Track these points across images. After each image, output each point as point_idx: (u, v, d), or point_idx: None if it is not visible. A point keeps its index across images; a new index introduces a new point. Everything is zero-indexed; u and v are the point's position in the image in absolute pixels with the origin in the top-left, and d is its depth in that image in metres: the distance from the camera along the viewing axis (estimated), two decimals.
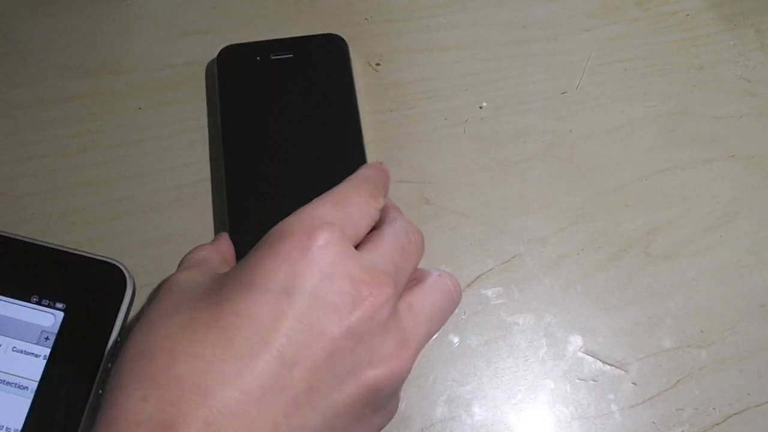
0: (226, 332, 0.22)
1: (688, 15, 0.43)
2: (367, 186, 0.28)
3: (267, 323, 0.22)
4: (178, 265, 0.29)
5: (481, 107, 0.40)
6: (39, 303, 0.33)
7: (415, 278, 0.28)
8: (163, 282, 0.27)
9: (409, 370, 0.25)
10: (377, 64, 0.41)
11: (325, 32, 0.39)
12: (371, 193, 0.28)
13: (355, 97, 0.37)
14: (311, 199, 0.26)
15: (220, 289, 0.23)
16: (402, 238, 0.27)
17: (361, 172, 0.30)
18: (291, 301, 0.22)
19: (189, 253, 0.30)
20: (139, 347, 0.23)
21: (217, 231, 0.36)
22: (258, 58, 0.37)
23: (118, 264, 0.34)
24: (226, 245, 0.31)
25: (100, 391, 0.32)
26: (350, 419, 0.23)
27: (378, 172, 0.31)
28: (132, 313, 0.34)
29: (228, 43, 0.38)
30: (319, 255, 0.23)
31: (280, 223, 0.25)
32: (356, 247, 0.26)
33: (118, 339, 0.33)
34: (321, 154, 0.35)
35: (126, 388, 0.22)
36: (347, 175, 0.32)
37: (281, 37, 0.39)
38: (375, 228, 0.28)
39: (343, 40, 0.39)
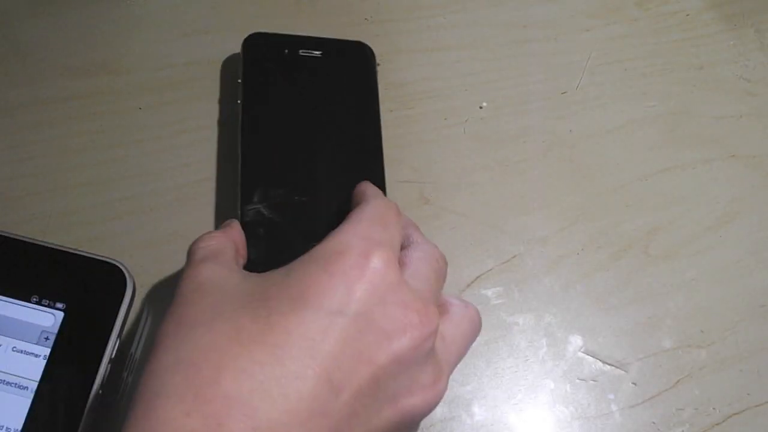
0: (275, 350, 0.21)
1: (688, 15, 0.43)
2: (393, 203, 0.28)
3: (318, 344, 0.21)
4: (188, 254, 0.27)
5: (481, 107, 0.40)
6: (39, 303, 0.33)
7: (440, 304, 0.28)
8: (184, 276, 0.26)
9: (441, 399, 0.25)
10: (377, 64, 0.41)
11: (354, 39, 0.39)
12: (397, 210, 0.28)
13: (378, 108, 0.37)
14: (325, 198, 0.26)
15: (265, 300, 0.22)
16: (435, 264, 0.27)
17: (377, 189, 0.30)
18: (343, 322, 0.22)
19: (199, 241, 0.28)
20: (179, 355, 0.22)
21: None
22: (286, 51, 0.37)
23: (118, 264, 0.34)
24: (237, 234, 0.30)
25: (101, 391, 0.32)
26: None
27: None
28: (132, 313, 0.34)
29: (228, 43, 0.38)
30: (375, 277, 0.23)
31: (331, 239, 0.24)
32: None
33: (119, 339, 0.33)
34: (339, 155, 0.35)
35: (167, 399, 0.20)
36: (360, 180, 0.32)
37: None
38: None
39: (371, 50, 0.38)
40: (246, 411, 0.20)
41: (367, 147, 0.36)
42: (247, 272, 0.26)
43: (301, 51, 0.37)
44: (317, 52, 0.37)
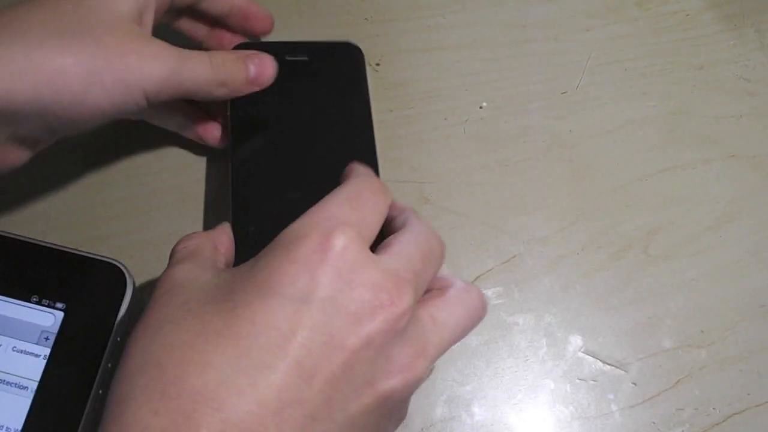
0: (241, 341, 0.21)
1: (688, 15, 0.43)
2: (376, 182, 0.27)
3: (284, 333, 0.21)
4: (170, 257, 0.27)
5: (481, 107, 0.40)
6: (39, 303, 0.33)
7: (439, 286, 0.27)
8: (160, 278, 0.25)
9: (422, 380, 0.24)
10: (377, 64, 0.41)
11: (342, 40, 0.38)
12: (381, 189, 0.27)
13: (369, 106, 0.36)
14: (318, 199, 0.25)
15: (231, 292, 0.22)
16: (424, 245, 0.26)
17: (365, 169, 0.29)
18: (310, 309, 0.21)
19: (179, 242, 0.27)
20: (145, 356, 0.21)
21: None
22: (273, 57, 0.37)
23: (118, 264, 0.34)
24: (220, 234, 0.29)
25: (101, 391, 0.32)
26: (365, 428, 0.23)
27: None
28: (132, 314, 0.34)
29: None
30: (337, 260, 0.22)
31: (295, 223, 0.24)
32: (375, 249, 0.25)
33: (118, 339, 0.33)
34: (330, 156, 0.35)
35: (133, 401, 0.20)
36: None
37: (282, 37, 0.39)
38: (391, 228, 0.27)
39: (359, 49, 0.38)
40: (214, 404, 0.20)
41: (359, 147, 0.35)
42: (221, 269, 0.26)
43: (287, 56, 0.37)
44: (304, 57, 0.37)
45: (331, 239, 0.22)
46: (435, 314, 0.25)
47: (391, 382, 0.23)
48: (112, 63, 0.27)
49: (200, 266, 0.25)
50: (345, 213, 0.24)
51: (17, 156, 0.30)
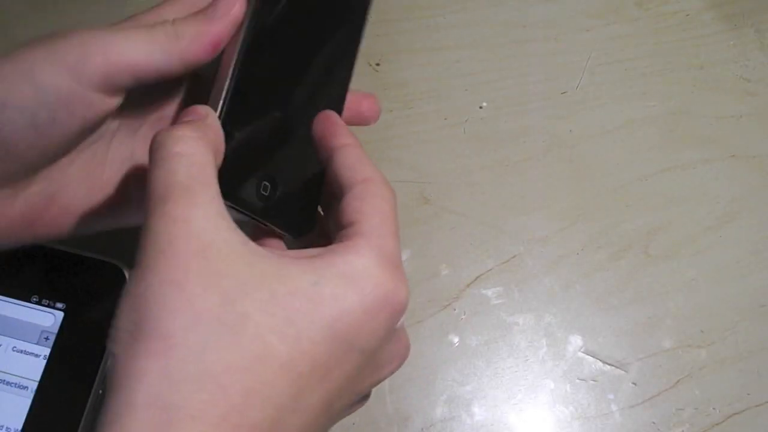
0: (300, 380, 0.20)
1: (688, 15, 0.43)
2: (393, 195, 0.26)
3: (329, 374, 0.21)
4: (156, 156, 0.22)
5: (481, 107, 0.40)
6: (39, 303, 0.33)
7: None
8: (159, 213, 0.20)
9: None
10: (377, 64, 0.41)
11: None
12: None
13: (363, 24, 0.33)
14: (300, 112, 0.25)
15: (293, 313, 0.20)
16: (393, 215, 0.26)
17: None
18: (359, 360, 0.22)
19: (171, 140, 0.22)
20: (194, 365, 0.19)
21: None
22: None
23: (118, 264, 0.34)
24: (214, 134, 0.24)
25: (101, 391, 0.32)
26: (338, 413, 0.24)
27: None
28: None
29: None
30: (397, 319, 0.23)
31: (362, 257, 0.22)
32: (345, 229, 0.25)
33: None
34: (316, 70, 0.31)
35: (190, 420, 0.18)
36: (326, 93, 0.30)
37: None
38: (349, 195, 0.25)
39: None
40: None
41: (340, 63, 0.32)
42: (246, 239, 0.21)
43: None
44: None
45: (399, 300, 0.22)
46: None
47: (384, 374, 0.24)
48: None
49: (221, 215, 0.21)
50: (399, 262, 0.23)
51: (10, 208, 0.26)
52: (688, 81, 0.41)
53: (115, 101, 0.25)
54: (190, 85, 0.30)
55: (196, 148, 0.22)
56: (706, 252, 0.37)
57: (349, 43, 0.34)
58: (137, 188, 0.28)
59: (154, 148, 0.22)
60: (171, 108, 0.30)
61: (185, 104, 0.30)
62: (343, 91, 0.32)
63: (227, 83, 0.26)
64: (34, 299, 0.33)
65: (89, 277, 0.33)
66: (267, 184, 0.28)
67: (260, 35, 0.27)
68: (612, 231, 0.38)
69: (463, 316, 0.36)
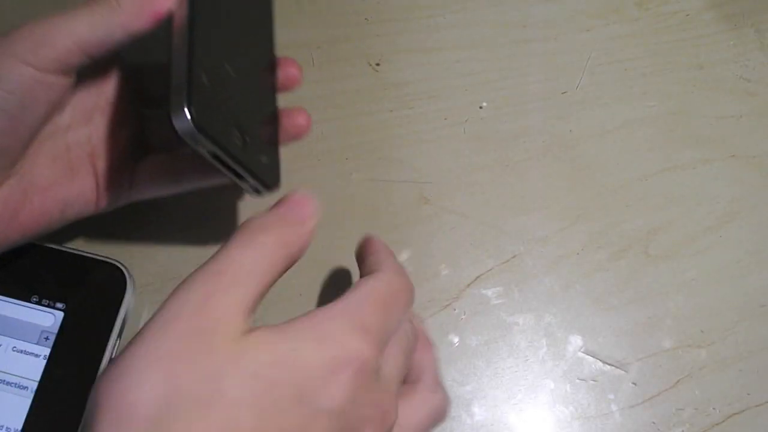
0: None
1: (688, 15, 0.43)
2: (407, 281, 0.27)
3: None
4: (238, 234, 0.23)
5: (481, 107, 0.40)
6: (39, 303, 0.33)
7: (411, 379, 0.28)
8: (190, 290, 0.21)
9: None
10: (377, 64, 0.41)
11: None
12: (408, 300, 0.27)
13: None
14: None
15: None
16: (406, 345, 0.26)
17: (398, 266, 0.28)
18: (327, 422, 0.22)
19: (257, 245, 0.23)
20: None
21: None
22: None
23: (118, 264, 0.34)
24: (301, 240, 0.24)
25: None
26: None
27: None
28: (132, 313, 0.34)
29: None
30: (367, 382, 0.23)
31: (329, 310, 0.23)
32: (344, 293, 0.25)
33: (119, 339, 0.33)
34: (249, 20, 0.34)
35: None
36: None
37: (282, 36, 0.39)
38: (366, 268, 0.28)
39: None
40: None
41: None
42: (248, 328, 0.22)
43: None
44: None
45: (366, 360, 0.23)
46: (399, 421, 0.25)
47: None
48: None
49: (246, 303, 0.22)
50: (375, 322, 0.24)
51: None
52: (688, 81, 0.41)
53: (71, 79, 0.28)
54: (128, 70, 0.33)
55: (276, 250, 0.23)
56: (706, 252, 0.37)
57: (264, 12, 0.35)
58: (101, 168, 0.31)
59: (244, 229, 0.23)
60: (116, 93, 0.32)
61: (125, 86, 0.32)
62: (272, 42, 0.35)
63: (193, 43, 0.27)
64: (34, 299, 0.33)
65: (89, 277, 0.33)
66: (238, 133, 0.29)
67: (198, 3, 0.28)
68: (612, 231, 0.38)
69: (463, 316, 0.36)
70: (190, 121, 0.24)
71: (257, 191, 0.31)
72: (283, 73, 0.34)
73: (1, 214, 0.27)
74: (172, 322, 0.21)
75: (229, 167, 0.28)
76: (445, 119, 0.40)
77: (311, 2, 0.42)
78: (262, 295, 0.23)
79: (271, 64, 0.35)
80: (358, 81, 0.40)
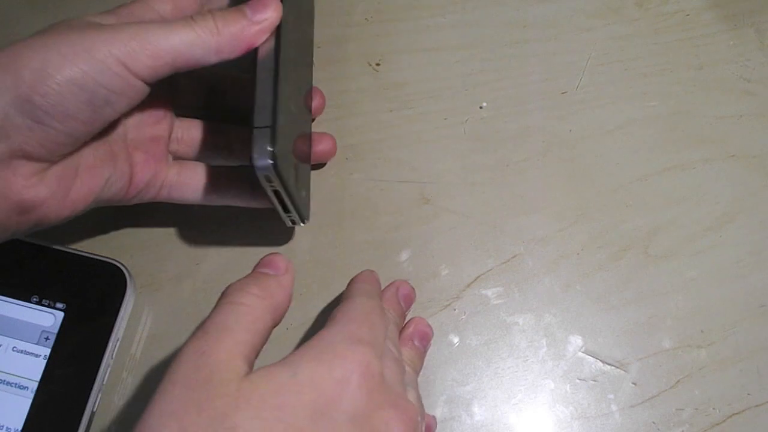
0: None
1: (688, 15, 0.43)
2: (377, 303, 0.29)
3: None
4: (220, 302, 0.25)
5: (481, 107, 0.40)
6: (39, 303, 0.33)
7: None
8: (189, 350, 0.23)
9: None
10: (377, 64, 0.41)
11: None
12: (382, 310, 0.29)
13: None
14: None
15: (281, 408, 0.22)
16: (393, 356, 0.28)
17: (367, 289, 0.31)
18: (349, 428, 0.23)
19: (233, 303, 0.25)
20: None
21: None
22: None
23: (118, 264, 0.34)
24: (283, 290, 0.27)
25: (101, 391, 0.32)
26: None
27: (375, 286, 0.32)
28: (132, 313, 0.34)
29: None
30: (374, 383, 0.25)
31: (326, 340, 0.25)
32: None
33: (118, 339, 0.33)
34: (302, 62, 0.35)
35: None
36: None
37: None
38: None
39: None
40: None
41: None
42: (248, 370, 0.24)
43: None
44: None
45: (369, 364, 0.25)
46: None
47: None
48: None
49: (241, 349, 0.24)
50: (365, 333, 0.26)
51: (31, 184, 0.28)
52: (688, 81, 0.41)
53: (150, 88, 0.29)
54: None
55: (257, 305, 0.25)
56: (706, 252, 0.37)
57: (309, 44, 0.37)
58: (137, 159, 0.32)
59: (223, 294, 0.25)
60: (156, 95, 0.32)
61: (161, 88, 0.32)
62: (311, 78, 0.37)
63: (277, 83, 0.29)
64: (34, 299, 0.33)
65: (89, 277, 0.33)
66: (293, 170, 0.31)
67: (282, 40, 0.30)
68: (612, 231, 0.38)
69: (463, 316, 0.36)
70: (271, 165, 0.27)
71: (294, 222, 0.33)
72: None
73: (56, 191, 0.28)
74: (176, 382, 0.22)
75: (282, 201, 0.30)
76: (445, 119, 0.40)
77: None
78: (257, 343, 0.25)
79: (310, 92, 0.36)
80: (358, 81, 0.40)
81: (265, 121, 0.28)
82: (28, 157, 0.27)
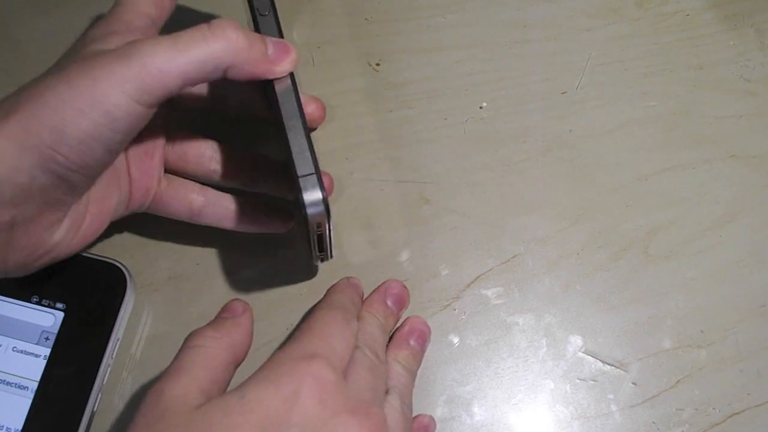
0: None
1: (688, 15, 0.43)
2: (339, 313, 0.30)
3: None
4: (181, 348, 0.27)
5: (481, 107, 0.40)
6: (39, 303, 0.33)
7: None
8: (151, 391, 0.25)
9: None
10: (377, 64, 0.41)
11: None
12: (345, 319, 0.29)
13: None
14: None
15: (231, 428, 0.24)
16: (367, 362, 0.29)
17: (333, 299, 0.32)
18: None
19: (191, 347, 0.27)
20: None
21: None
22: None
23: (118, 264, 0.34)
24: (242, 329, 0.29)
25: (101, 391, 0.32)
26: None
27: (348, 293, 0.33)
28: (132, 313, 0.34)
29: None
30: (324, 393, 0.25)
31: (275, 357, 0.27)
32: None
33: (118, 339, 0.33)
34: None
35: None
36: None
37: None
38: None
39: None
40: None
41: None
42: (203, 401, 0.25)
43: None
44: None
45: (320, 373, 0.25)
46: None
47: None
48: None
49: (198, 384, 0.25)
50: (321, 347, 0.27)
51: (55, 228, 0.28)
52: (688, 81, 0.41)
53: (156, 110, 0.28)
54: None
55: (213, 345, 0.27)
56: (706, 252, 0.37)
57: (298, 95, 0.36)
58: (132, 168, 0.32)
59: (185, 341, 0.27)
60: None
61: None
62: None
63: (305, 127, 0.30)
64: (34, 299, 0.33)
65: (89, 277, 0.33)
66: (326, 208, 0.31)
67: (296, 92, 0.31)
68: (612, 231, 0.38)
69: (463, 316, 0.36)
70: (324, 210, 0.28)
71: (322, 260, 0.34)
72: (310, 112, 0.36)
73: (67, 233, 0.29)
74: (137, 421, 0.24)
75: (322, 242, 0.31)
76: (445, 119, 0.40)
77: (311, 2, 0.42)
78: (217, 378, 0.26)
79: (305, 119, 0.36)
80: (358, 81, 0.40)
81: (308, 168, 0.29)
82: (53, 209, 0.27)
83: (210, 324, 0.28)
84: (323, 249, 0.32)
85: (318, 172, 0.29)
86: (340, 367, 0.27)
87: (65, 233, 0.29)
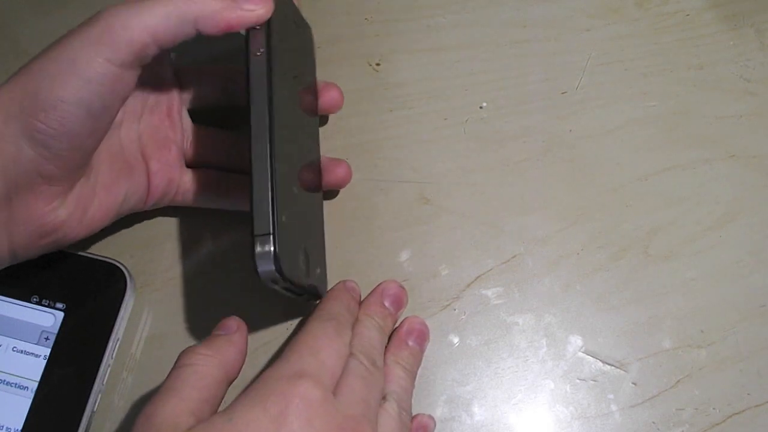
0: None
1: (688, 15, 0.43)
2: (331, 325, 0.29)
3: None
4: (174, 367, 0.27)
5: (481, 107, 0.40)
6: (39, 303, 0.33)
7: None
8: (140, 415, 0.25)
9: None
10: (377, 64, 0.41)
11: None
12: (336, 331, 0.29)
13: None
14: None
15: None
16: (361, 371, 0.28)
17: (325, 309, 0.31)
18: None
19: (182, 366, 0.27)
20: None
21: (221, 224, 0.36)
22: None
23: (118, 264, 0.34)
24: (234, 348, 0.29)
25: (101, 391, 0.32)
26: None
27: (343, 300, 0.32)
28: (132, 313, 0.34)
29: (227, 43, 0.38)
30: (311, 412, 0.25)
31: (264, 377, 0.26)
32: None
33: (118, 339, 0.33)
34: (305, 130, 0.35)
35: None
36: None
37: None
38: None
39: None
40: None
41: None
42: (194, 424, 0.26)
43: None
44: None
45: (306, 394, 0.25)
46: None
47: None
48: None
49: (187, 405, 0.25)
50: (309, 364, 0.27)
51: (53, 209, 0.28)
52: (688, 81, 0.41)
53: (139, 73, 0.28)
54: (177, 76, 0.34)
55: (205, 363, 0.27)
56: (706, 252, 0.37)
57: (315, 108, 0.36)
58: (152, 167, 0.33)
59: (176, 360, 0.27)
60: (163, 95, 0.33)
61: (173, 89, 0.34)
62: (318, 149, 0.36)
63: (274, 174, 0.27)
64: (34, 299, 0.33)
65: (89, 277, 0.33)
66: (303, 257, 0.30)
67: (276, 107, 0.29)
68: (612, 231, 0.38)
69: (463, 316, 0.36)
70: (274, 271, 0.27)
71: (309, 300, 0.33)
72: (326, 97, 0.36)
73: (74, 212, 0.29)
74: None
75: (293, 292, 0.30)
76: (445, 119, 0.40)
77: (311, 2, 0.42)
78: (208, 397, 0.26)
79: (318, 160, 0.35)
80: (358, 81, 0.40)
81: (263, 223, 0.27)
82: (48, 181, 0.27)
83: (203, 342, 0.28)
84: (300, 294, 0.31)
85: (276, 230, 0.26)
86: (330, 383, 0.27)
87: (71, 212, 0.29)
